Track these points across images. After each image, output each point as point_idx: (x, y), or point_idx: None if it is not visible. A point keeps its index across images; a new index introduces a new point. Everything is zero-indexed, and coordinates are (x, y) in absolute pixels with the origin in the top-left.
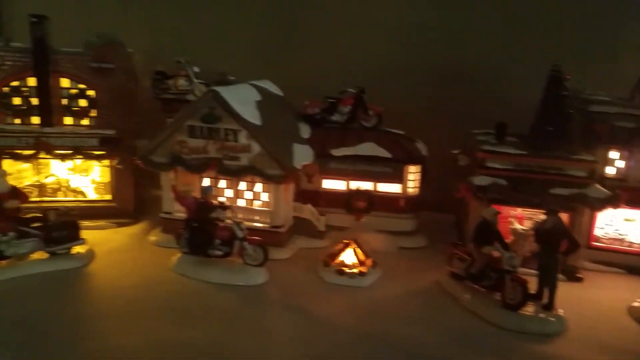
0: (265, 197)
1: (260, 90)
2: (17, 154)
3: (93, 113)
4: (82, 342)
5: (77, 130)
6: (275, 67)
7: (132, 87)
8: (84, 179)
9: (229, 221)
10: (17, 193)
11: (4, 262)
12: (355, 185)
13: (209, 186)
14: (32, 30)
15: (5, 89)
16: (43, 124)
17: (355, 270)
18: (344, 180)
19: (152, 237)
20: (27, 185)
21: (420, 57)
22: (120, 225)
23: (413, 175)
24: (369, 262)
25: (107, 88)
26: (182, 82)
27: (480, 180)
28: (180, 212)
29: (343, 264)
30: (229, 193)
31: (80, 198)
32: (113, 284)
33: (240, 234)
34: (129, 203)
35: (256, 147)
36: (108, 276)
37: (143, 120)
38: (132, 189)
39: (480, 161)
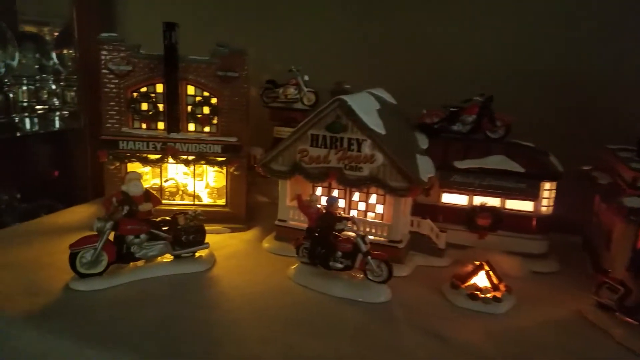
0: (380, 209)
1: (378, 98)
2: (145, 157)
3: (215, 120)
4: (219, 348)
5: (201, 137)
6: (386, 74)
7: (248, 95)
8: (198, 183)
9: (352, 233)
10: (150, 196)
11: (132, 264)
12: (479, 200)
13: (334, 197)
14: (164, 38)
15: (135, 95)
16: (169, 129)
17: (489, 295)
18: (467, 194)
19: (266, 244)
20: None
21: (540, 64)
22: (233, 230)
23: (548, 192)
24: (502, 286)
25: (229, 96)
26: (291, 91)
27: (633, 201)
28: (295, 221)
29: (476, 288)
30: (342, 204)
31: (197, 202)
32: (238, 290)
33: (364, 247)
34: (242, 208)
35: (380, 158)
36: (231, 282)
37: (251, 128)
38: (245, 195)
39: (631, 180)
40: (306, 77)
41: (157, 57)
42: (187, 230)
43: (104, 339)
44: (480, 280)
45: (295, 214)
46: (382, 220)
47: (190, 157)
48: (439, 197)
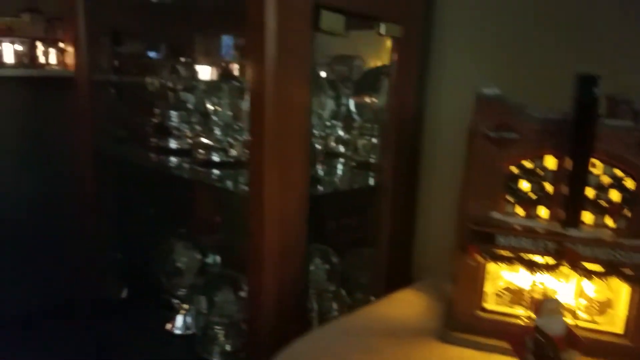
0: None
1: None
2: (532, 261)
3: (626, 212)
4: None
5: (611, 237)
6: None
7: None
8: (568, 289)
9: None
10: (574, 338)
11: None
12: None
13: None
14: (581, 94)
15: (515, 170)
16: (567, 223)
17: None
18: None
19: None
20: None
21: None
22: None
23: None
24: None
25: None
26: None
27: None
28: None
29: None
30: None
31: (573, 320)
32: None
33: None
34: None
35: None
36: None
37: None
38: None
39: None
40: None
41: (555, 121)
42: None
43: None
44: None
45: None
46: None
47: (596, 267)
48: None
